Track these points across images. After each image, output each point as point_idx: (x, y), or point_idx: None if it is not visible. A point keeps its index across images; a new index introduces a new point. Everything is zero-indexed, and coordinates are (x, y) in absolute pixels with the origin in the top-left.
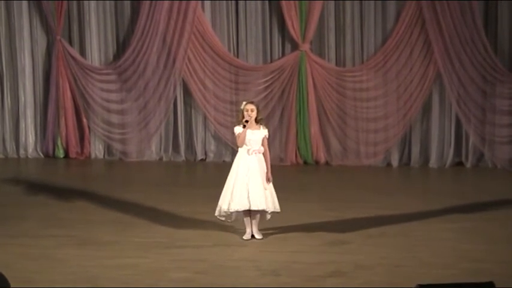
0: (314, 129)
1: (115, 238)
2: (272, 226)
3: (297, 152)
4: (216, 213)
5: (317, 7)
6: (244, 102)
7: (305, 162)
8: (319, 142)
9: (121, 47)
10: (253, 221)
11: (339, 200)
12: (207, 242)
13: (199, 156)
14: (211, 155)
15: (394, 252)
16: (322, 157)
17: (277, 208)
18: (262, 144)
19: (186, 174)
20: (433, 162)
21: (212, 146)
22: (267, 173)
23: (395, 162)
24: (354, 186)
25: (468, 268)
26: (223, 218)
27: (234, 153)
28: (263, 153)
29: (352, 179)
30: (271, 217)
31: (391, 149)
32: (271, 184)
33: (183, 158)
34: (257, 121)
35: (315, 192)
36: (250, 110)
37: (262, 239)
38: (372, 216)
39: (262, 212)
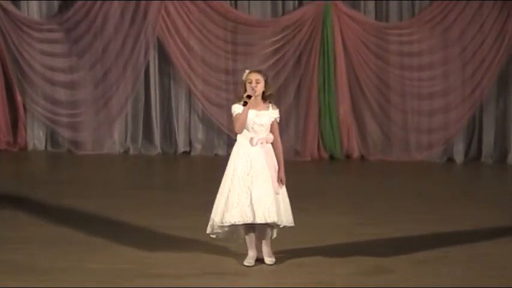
0: (344, 109)
1: (63, 264)
2: (284, 248)
3: (320, 142)
4: (208, 231)
5: None
6: (247, 71)
7: (331, 157)
8: (351, 128)
9: None
10: (264, 241)
11: (379, 211)
12: (193, 269)
13: (182, 147)
14: (198, 147)
15: (455, 282)
16: (355, 149)
17: (290, 221)
18: (271, 131)
19: (162, 174)
20: None
21: (200, 134)
22: (278, 171)
23: (459, 157)
24: (400, 190)
25: None
26: (216, 236)
27: (230, 143)
28: (272, 144)
29: (397, 181)
30: (277, 235)
31: (453, 139)
32: (284, 188)
33: (159, 150)
34: (265, 98)
35: (345, 200)
36: (254, 81)
37: (274, 264)
38: (425, 234)
39: (272, 227)
